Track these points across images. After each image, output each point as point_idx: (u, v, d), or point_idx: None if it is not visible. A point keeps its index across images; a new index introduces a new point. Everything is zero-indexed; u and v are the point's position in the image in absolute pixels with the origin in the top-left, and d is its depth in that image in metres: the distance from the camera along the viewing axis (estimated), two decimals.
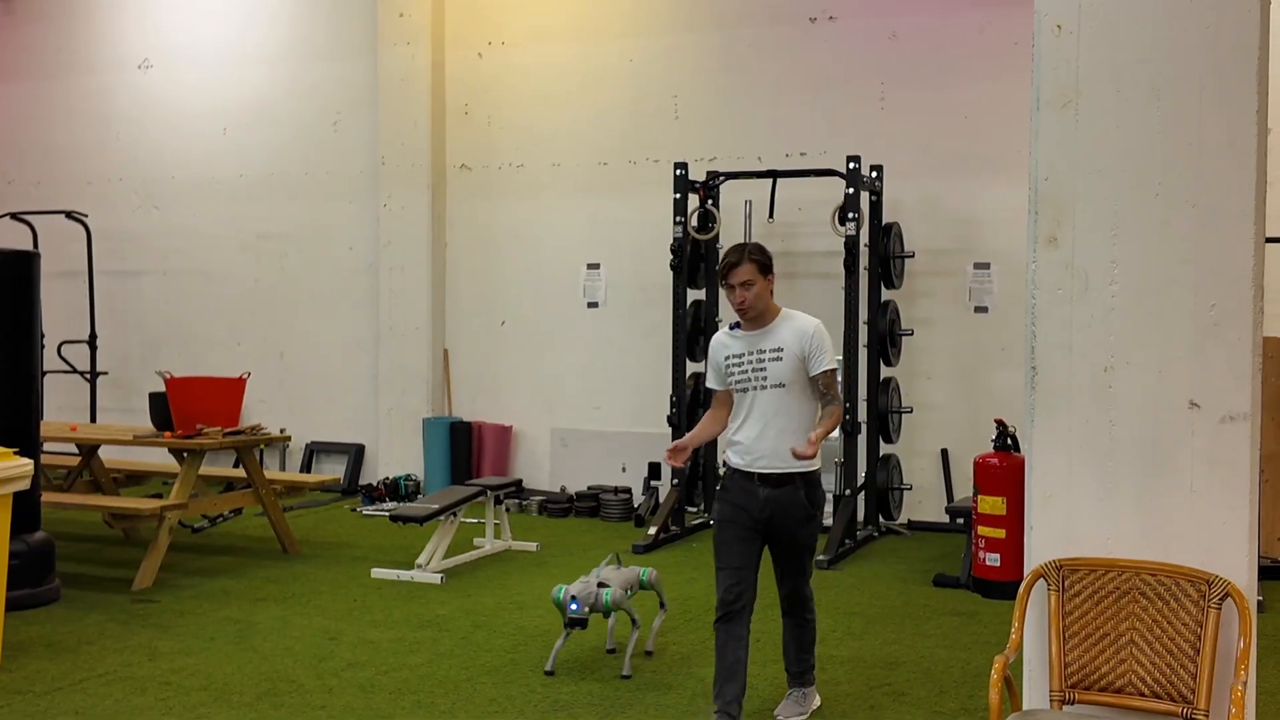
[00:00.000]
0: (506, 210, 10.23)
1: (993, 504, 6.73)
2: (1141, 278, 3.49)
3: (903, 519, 8.85)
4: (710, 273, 8.75)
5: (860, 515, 8.32)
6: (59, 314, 10.71)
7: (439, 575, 7.06)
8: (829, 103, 9.23)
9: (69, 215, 10.76)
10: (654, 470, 9.39)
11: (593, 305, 9.99)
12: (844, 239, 8.00)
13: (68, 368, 10.82)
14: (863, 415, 8.29)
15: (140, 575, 6.83)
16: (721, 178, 8.75)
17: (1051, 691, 3.55)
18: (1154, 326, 3.48)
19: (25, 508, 5.94)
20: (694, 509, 8.86)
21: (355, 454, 10.62)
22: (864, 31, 9.19)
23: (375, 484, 10.01)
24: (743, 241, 4.68)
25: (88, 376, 10.77)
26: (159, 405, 7.96)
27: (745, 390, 4.46)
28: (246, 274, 11.07)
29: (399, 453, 10.34)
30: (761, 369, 4.42)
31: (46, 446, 7.25)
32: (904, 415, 8.78)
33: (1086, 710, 3.53)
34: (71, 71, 11.60)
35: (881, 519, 8.61)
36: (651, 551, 7.95)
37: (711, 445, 8.54)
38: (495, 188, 10.27)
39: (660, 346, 9.16)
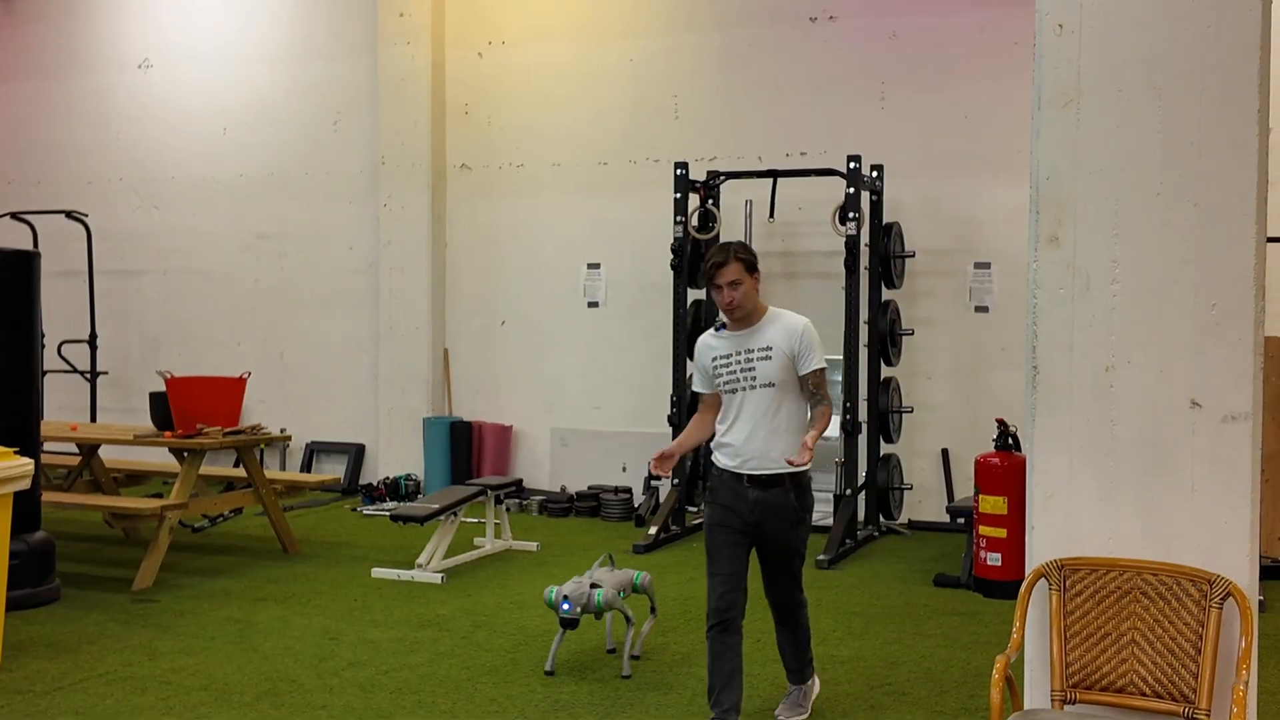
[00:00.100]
0: (507, 210, 10.23)
1: (994, 503, 6.73)
2: (1143, 277, 3.49)
3: (903, 519, 8.85)
4: None
5: (861, 515, 8.32)
6: (59, 314, 10.71)
7: (439, 575, 7.06)
8: (829, 102, 9.23)
9: (69, 215, 10.77)
10: None
11: (593, 305, 9.99)
12: (844, 239, 8.00)
13: (68, 367, 10.82)
14: (863, 415, 8.29)
15: (140, 575, 6.82)
16: (722, 177, 8.75)
17: (1053, 691, 3.55)
18: (1155, 326, 3.48)
19: (26, 507, 5.94)
20: (694, 509, 8.84)
21: (355, 454, 10.62)
22: (864, 31, 9.19)
23: (375, 484, 10.00)
24: (727, 241, 4.63)
25: (88, 376, 10.77)
26: (159, 405, 7.97)
27: (734, 391, 4.39)
28: (247, 274, 11.07)
29: (399, 452, 10.34)
30: (750, 369, 4.35)
31: (47, 446, 7.25)
32: (904, 415, 8.77)
33: (1088, 710, 3.52)
34: (72, 71, 11.60)
35: (882, 519, 8.61)
36: (652, 551, 7.96)
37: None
38: (495, 187, 10.28)
39: (660, 346, 9.16)
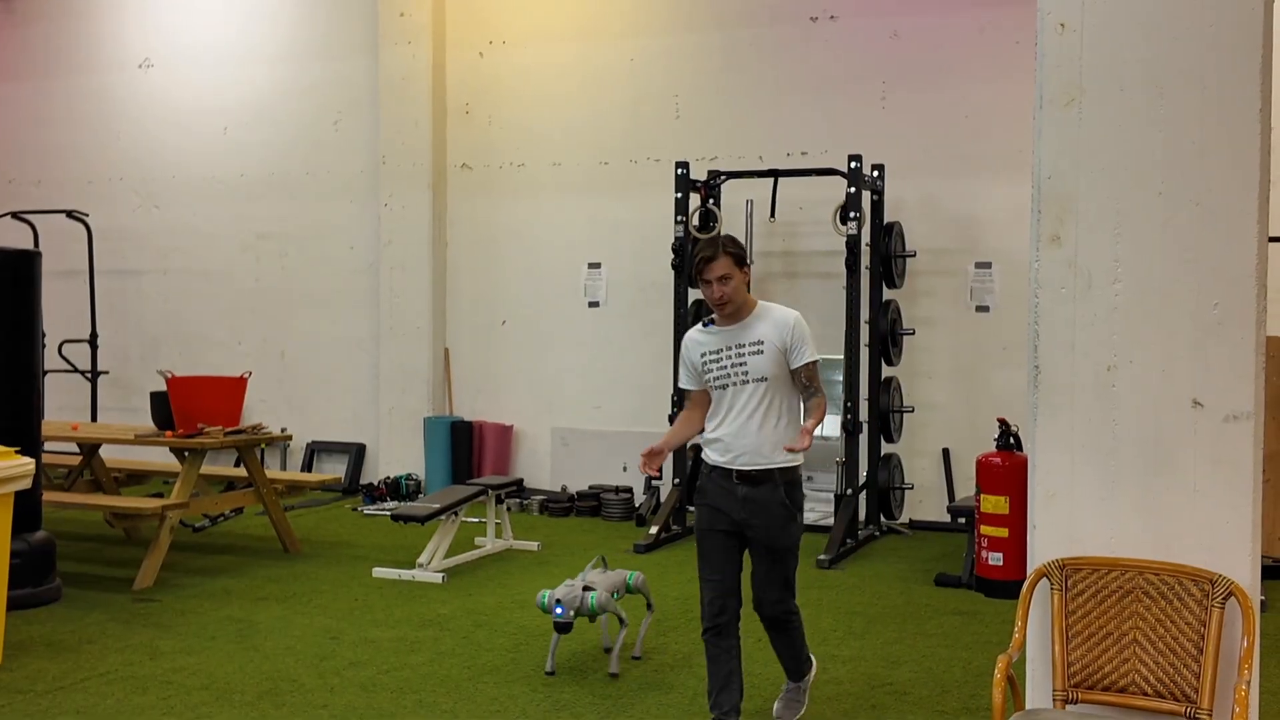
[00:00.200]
0: (507, 210, 10.23)
1: (995, 503, 6.72)
2: (1144, 276, 3.49)
3: (904, 518, 8.85)
4: None
5: (861, 515, 8.32)
6: (60, 313, 10.70)
7: (440, 575, 7.05)
8: (830, 102, 9.23)
9: (70, 215, 10.76)
10: None
11: (594, 305, 9.99)
12: (845, 238, 8.00)
13: (69, 367, 10.82)
14: (864, 415, 8.29)
15: (141, 574, 6.82)
16: (723, 177, 8.75)
17: (1054, 691, 3.54)
18: (1157, 325, 3.48)
19: (26, 507, 5.94)
20: (694, 509, 8.84)
21: (356, 453, 10.62)
22: (865, 31, 9.18)
23: (376, 483, 10.00)
24: (714, 235, 4.53)
25: (89, 376, 10.77)
26: (160, 404, 7.98)
27: (724, 387, 4.29)
28: (247, 273, 11.07)
29: (400, 452, 10.34)
30: (741, 363, 4.27)
31: (48, 446, 7.24)
32: (905, 415, 8.77)
33: (1089, 710, 3.52)
34: (72, 71, 11.60)
35: (883, 518, 8.61)
36: (653, 551, 7.96)
37: None
38: (496, 187, 10.27)
39: (661, 346, 9.16)
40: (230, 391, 7.82)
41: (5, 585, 5.44)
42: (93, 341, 10.75)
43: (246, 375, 7.98)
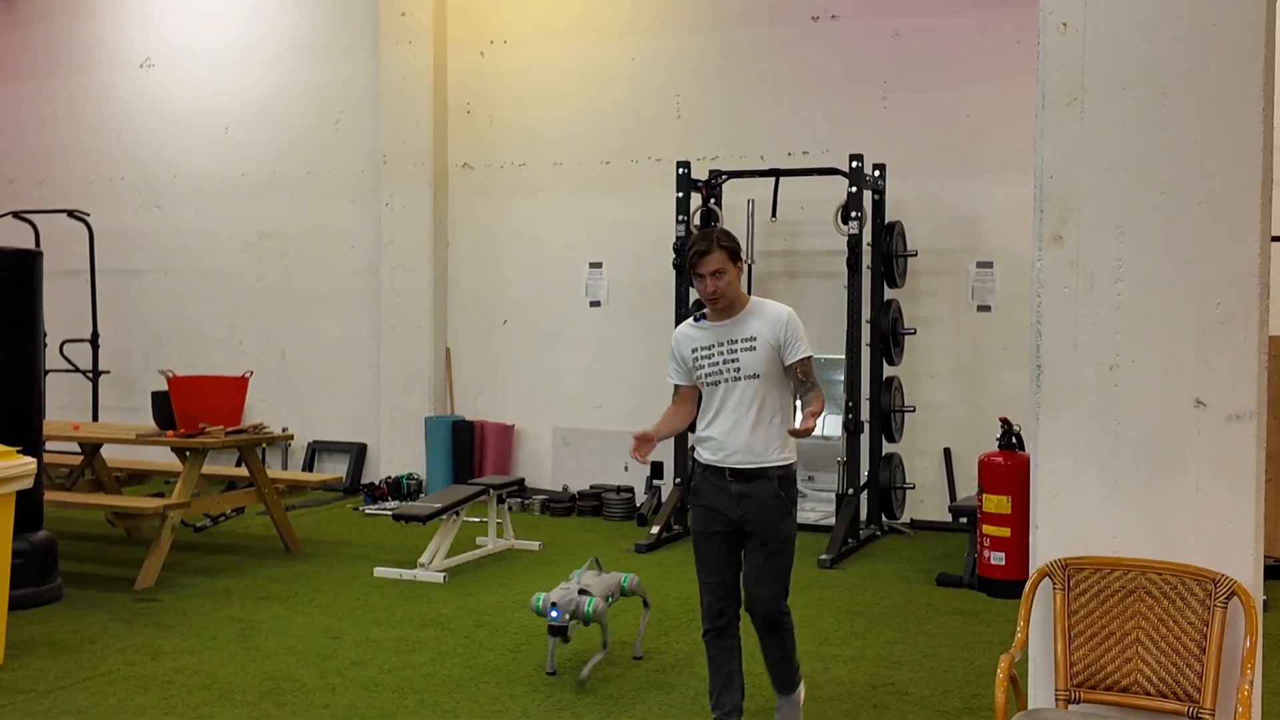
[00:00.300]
0: (508, 209, 10.23)
1: (998, 503, 6.72)
2: (1147, 276, 3.49)
3: (905, 518, 8.85)
4: None
5: (863, 514, 8.32)
6: (61, 313, 10.70)
7: (441, 574, 7.05)
8: (831, 102, 9.23)
9: (71, 214, 10.77)
10: (656, 469, 9.37)
11: (595, 304, 9.99)
12: (847, 238, 8.00)
13: (70, 367, 10.82)
14: (866, 414, 8.29)
15: (143, 574, 6.82)
16: (724, 176, 8.74)
17: (1057, 691, 3.54)
18: (1159, 325, 3.48)
19: (28, 506, 5.94)
20: None
21: (357, 453, 10.62)
22: (866, 31, 9.18)
23: (377, 483, 10.00)
24: (708, 229, 4.43)
25: (90, 375, 10.77)
26: (161, 404, 7.98)
27: (716, 384, 4.23)
28: (248, 273, 11.07)
29: (401, 452, 10.33)
30: (734, 360, 4.21)
31: (49, 445, 7.24)
32: (906, 414, 8.77)
33: (1092, 709, 3.52)
34: (73, 71, 11.60)
35: (884, 518, 8.60)
36: (654, 550, 7.96)
37: None
38: (497, 187, 10.27)
39: (662, 346, 9.05)
40: (231, 391, 7.82)
41: (7, 585, 5.44)
42: (94, 341, 10.75)
43: (248, 375, 7.98)
